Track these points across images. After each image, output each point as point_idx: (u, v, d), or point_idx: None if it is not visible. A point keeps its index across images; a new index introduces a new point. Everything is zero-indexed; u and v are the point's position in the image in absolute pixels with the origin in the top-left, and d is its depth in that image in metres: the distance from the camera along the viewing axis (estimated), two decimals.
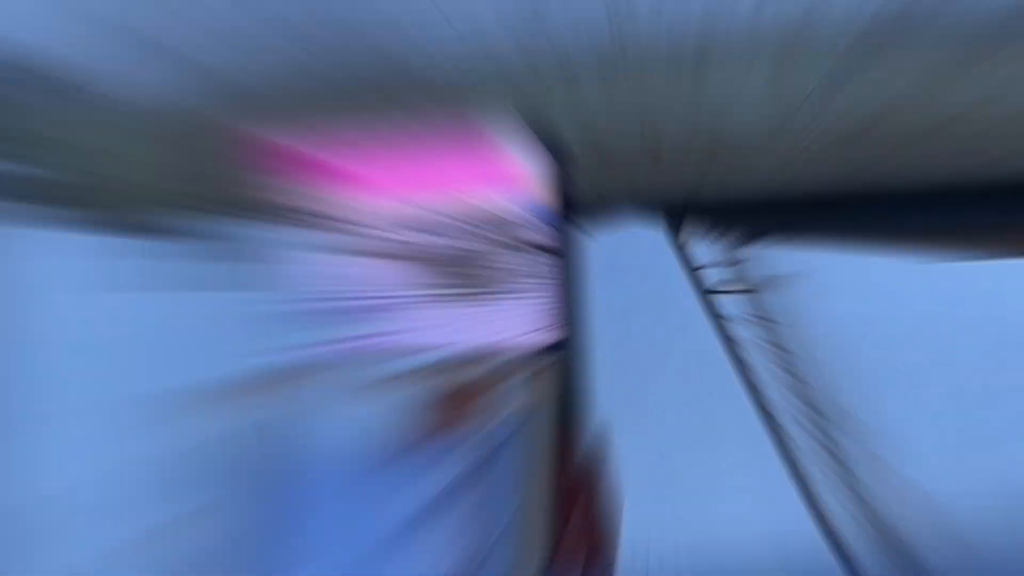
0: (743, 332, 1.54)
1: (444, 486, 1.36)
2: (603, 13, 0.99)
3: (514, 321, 1.44)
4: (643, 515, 1.38)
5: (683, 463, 1.42)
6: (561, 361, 1.48)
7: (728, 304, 1.57)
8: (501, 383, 1.47)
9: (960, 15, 0.96)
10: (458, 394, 1.48)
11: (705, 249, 1.59)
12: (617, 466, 1.45)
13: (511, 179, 1.43)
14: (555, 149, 1.40)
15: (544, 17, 1.00)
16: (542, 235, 1.48)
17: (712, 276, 1.60)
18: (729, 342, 1.54)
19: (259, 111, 1.27)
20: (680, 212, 1.59)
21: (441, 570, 1.26)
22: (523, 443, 1.46)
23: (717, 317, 1.56)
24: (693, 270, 1.58)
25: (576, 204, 1.53)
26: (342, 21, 1.01)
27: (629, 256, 1.56)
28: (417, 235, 1.46)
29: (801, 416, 1.42)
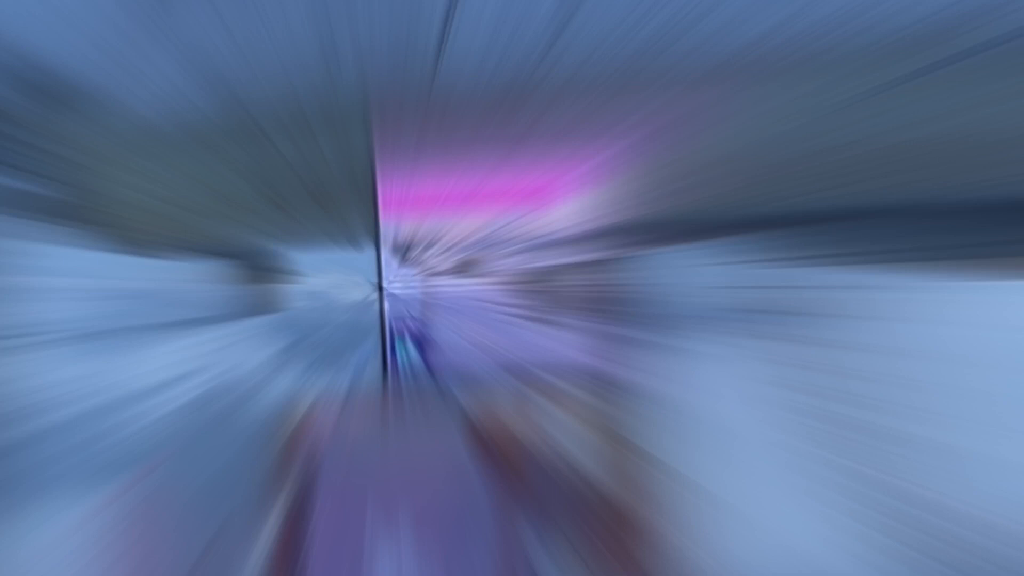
0: (773, 355, 1.48)
1: (493, 507, 1.29)
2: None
3: (568, 343, 1.35)
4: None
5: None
6: (615, 384, 1.39)
7: (758, 326, 1.52)
8: (554, 407, 1.39)
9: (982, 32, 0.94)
10: (509, 422, 1.40)
11: (740, 270, 1.54)
12: (673, 488, 1.38)
13: (568, 196, 1.36)
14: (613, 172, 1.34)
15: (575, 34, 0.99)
16: (597, 255, 1.40)
17: (744, 297, 1.54)
18: (756, 365, 1.48)
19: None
20: (724, 231, 1.53)
21: None
22: (572, 467, 1.38)
23: (747, 340, 1.50)
24: (728, 291, 1.53)
25: (627, 226, 1.46)
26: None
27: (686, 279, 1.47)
28: (488, 252, 1.37)
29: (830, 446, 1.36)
